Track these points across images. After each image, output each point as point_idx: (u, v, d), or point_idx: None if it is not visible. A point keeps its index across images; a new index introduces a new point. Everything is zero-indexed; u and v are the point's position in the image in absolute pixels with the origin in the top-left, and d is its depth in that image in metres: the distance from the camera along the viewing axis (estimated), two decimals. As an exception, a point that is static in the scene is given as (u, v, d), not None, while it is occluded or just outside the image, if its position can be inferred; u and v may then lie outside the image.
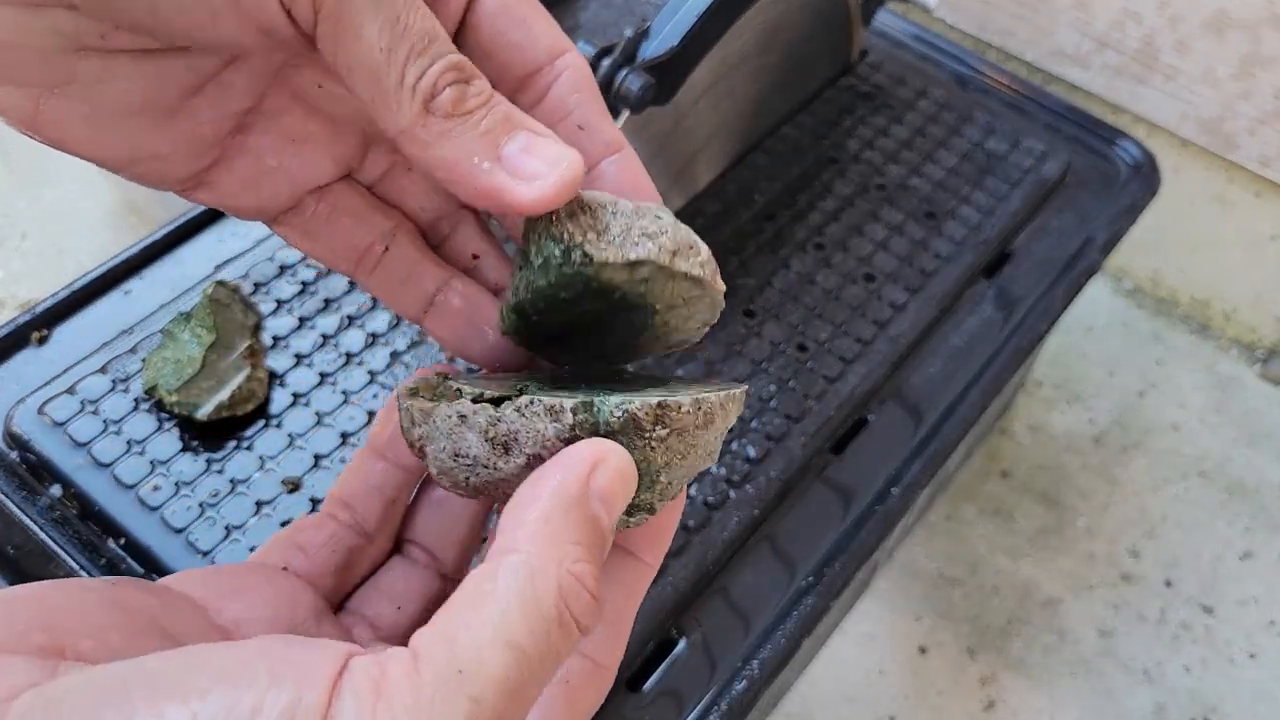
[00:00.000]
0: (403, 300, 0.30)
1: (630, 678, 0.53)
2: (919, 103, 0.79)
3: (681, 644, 0.54)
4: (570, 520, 0.23)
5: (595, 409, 0.24)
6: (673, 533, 0.28)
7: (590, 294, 0.27)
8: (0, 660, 0.20)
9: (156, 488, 0.54)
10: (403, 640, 0.24)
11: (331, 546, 0.28)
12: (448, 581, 0.30)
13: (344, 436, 0.57)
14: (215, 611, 0.25)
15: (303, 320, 0.62)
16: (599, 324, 0.28)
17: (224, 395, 0.56)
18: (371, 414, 0.58)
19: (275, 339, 0.61)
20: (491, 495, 0.26)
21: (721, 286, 0.28)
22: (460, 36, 0.28)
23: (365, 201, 0.30)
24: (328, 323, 0.62)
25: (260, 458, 0.56)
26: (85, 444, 0.55)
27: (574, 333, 0.29)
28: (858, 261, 0.69)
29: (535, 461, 0.25)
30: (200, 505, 0.54)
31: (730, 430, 0.61)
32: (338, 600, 0.29)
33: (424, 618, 0.27)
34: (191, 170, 0.28)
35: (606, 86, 0.58)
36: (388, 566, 0.30)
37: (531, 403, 0.24)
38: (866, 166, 0.75)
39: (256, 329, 0.60)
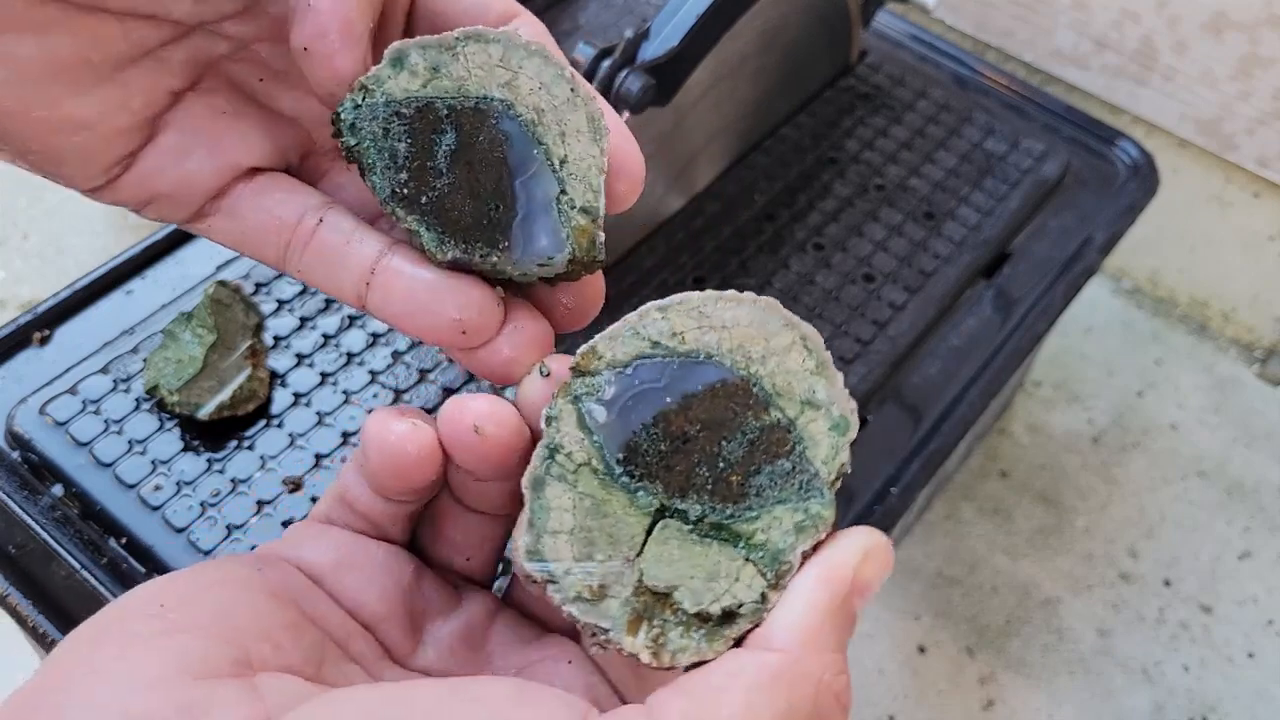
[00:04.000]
0: (340, 276, 0.27)
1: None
2: (918, 103, 0.79)
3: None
4: (835, 621, 0.22)
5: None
6: None
7: (448, 105, 0.27)
8: (210, 688, 0.21)
9: (158, 487, 0.55)
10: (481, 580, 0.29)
11: (398, 520, 0.28)
12: (508, 520, 0.29)
13: (345, 436, 0.57)
14: (335, 587, 0.26)
15: (304, 320, 0.62)
16: (474, 160, 0.27)
17: (225, 395, 0.56)
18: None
19: (276, 339, 0.61)
20: None
21: (601, 103, 0.27)
22: (414, 4, 0.28)
23: (298, 183, 0.28)
24: (329, 323, 0.62)
25: (261, 457, 0.56)
26: (87, 444, 0.56)
27: (446, 180, 0.27)
28: (857, 262, 0.70)
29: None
30: (201, 505, 0.54)
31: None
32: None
33: (493, 560, 0.29)
34: (116, 154, 0.26)
35: (607, 87, 0.58)
36: (449, 516, 0.28)
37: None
38: (866, 167, 0.75)
39: (258, 329, 0.60)
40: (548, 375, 0.27)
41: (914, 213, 0.73)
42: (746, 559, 0.25)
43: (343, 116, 0.27)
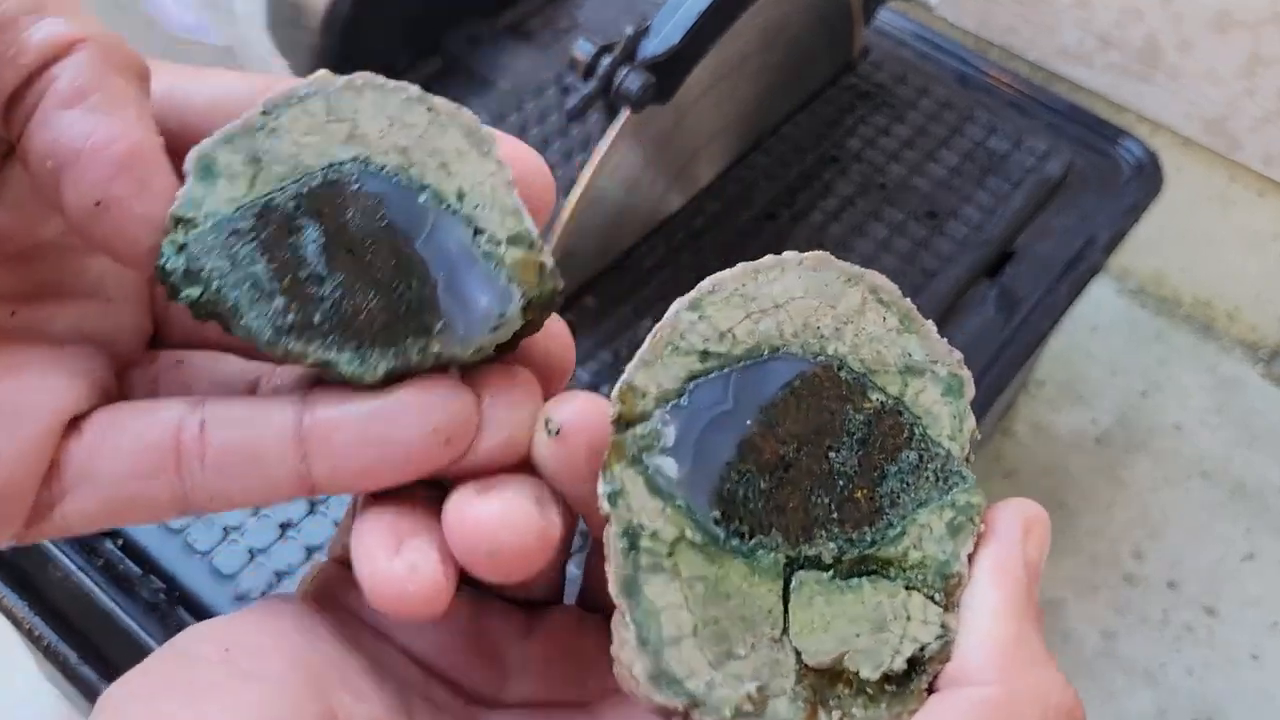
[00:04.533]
0: (265, 471, 0.21)
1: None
2: (920, 102, 0.79)
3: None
4: (1028, 623, 0.19)
5: None
6: None
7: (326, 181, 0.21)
8: None
9: (154, 489, 0.54)
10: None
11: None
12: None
13: (342, 437, 0.57)
14: (396, 637, 0.23)
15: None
16: (354, 244, 0.21)
17: (222, 396, 0.56)
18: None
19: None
20: None
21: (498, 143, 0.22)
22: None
23: (140, 403, 0.22)
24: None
25: (258, 458, 0.56)
26: (82, 444, 0.55)
27: (340, 283, 0.21)
28: (859, 261, 0.69)
29: None
30: (198, 506, 0.54)
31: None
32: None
33: (555, 585, 0.25)
34: None
35: (606, 85, 0.57)
36: None
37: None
38: (868, 166, 0.75)
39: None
40: (558, 432, 0.21)
41: (916, 212, 0.72)
42: (908, 588, 0.20)
43: (169, 268, 0.20)
